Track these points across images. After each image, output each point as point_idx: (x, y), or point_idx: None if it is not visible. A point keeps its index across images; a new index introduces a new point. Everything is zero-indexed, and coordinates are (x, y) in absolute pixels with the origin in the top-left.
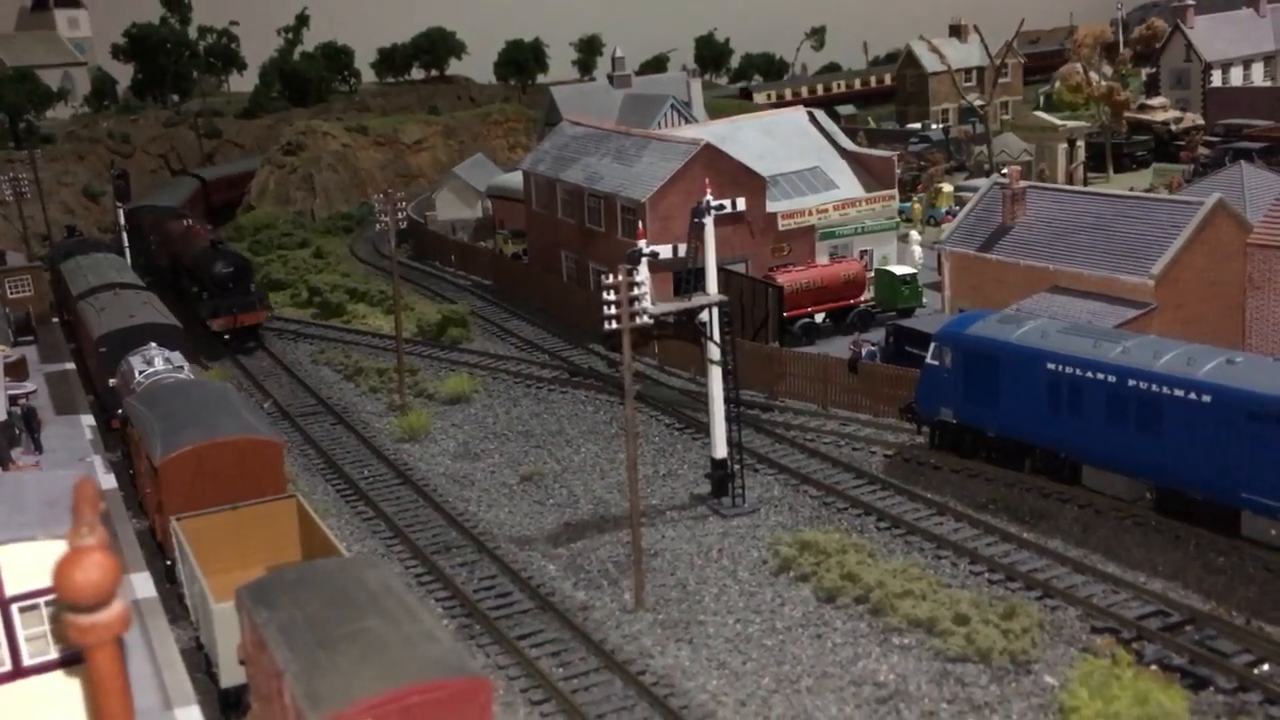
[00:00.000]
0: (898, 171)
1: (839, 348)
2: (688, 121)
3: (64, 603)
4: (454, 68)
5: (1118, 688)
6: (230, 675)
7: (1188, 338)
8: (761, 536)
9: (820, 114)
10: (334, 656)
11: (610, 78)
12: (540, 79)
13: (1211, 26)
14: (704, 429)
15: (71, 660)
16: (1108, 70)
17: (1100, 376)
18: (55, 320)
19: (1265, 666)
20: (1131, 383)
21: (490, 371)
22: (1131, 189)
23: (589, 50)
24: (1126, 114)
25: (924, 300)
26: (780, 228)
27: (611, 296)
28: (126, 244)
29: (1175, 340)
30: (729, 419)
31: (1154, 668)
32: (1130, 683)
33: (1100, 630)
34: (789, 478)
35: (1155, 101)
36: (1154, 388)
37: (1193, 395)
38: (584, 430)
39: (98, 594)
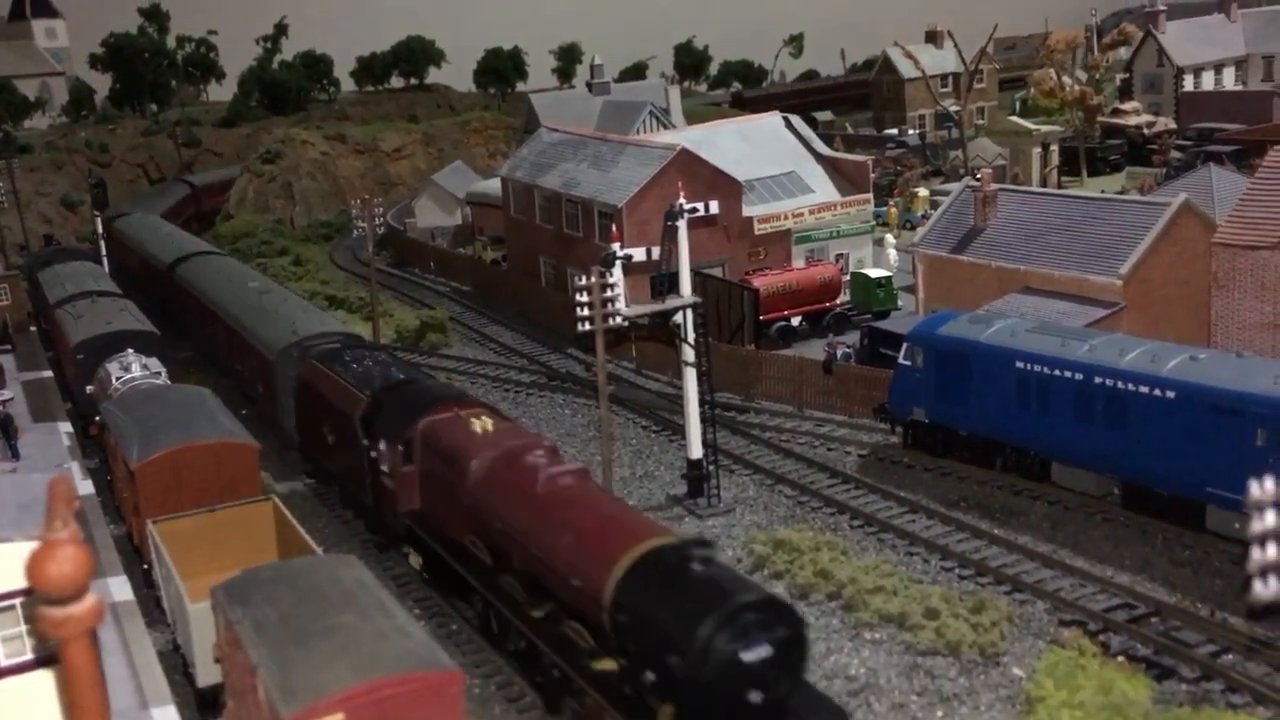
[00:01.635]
0: (873, 176)
1: (815, 350)
2: (666, 128)
3: (37, 595)
4: (433, 76)
5: (1083, 678)
6: (206, 675)
7: (1155, 336)
8: (737, 535)
9: (796, 119)
10: (307, 652)
11: (589, 85)
12: (520, 87)
13: (1183, 32)
14: (680, 431)
15: (47, 660)
16: (1082, 75)
17: (1067, 374)
18: (33, 329)
19: (1228, 656)
20: (1098, 380)
21: (469, 376)
22: (1103, 191)
23: (568, 58)
24: (1100, 118)
25: (899, 303)
26: (756, 231)
27: (585, 298)
28: (104, 252)
29: (1141, 338)
30: (704, 420)
31: (1120, 658)
32: (1095, 673)
33: (1068, 623)
34: (764, 478)
35: (1128, 106)
36: (1119, 385)
37: (1157, 392)
38: (561, 433)
39: (70, 586)
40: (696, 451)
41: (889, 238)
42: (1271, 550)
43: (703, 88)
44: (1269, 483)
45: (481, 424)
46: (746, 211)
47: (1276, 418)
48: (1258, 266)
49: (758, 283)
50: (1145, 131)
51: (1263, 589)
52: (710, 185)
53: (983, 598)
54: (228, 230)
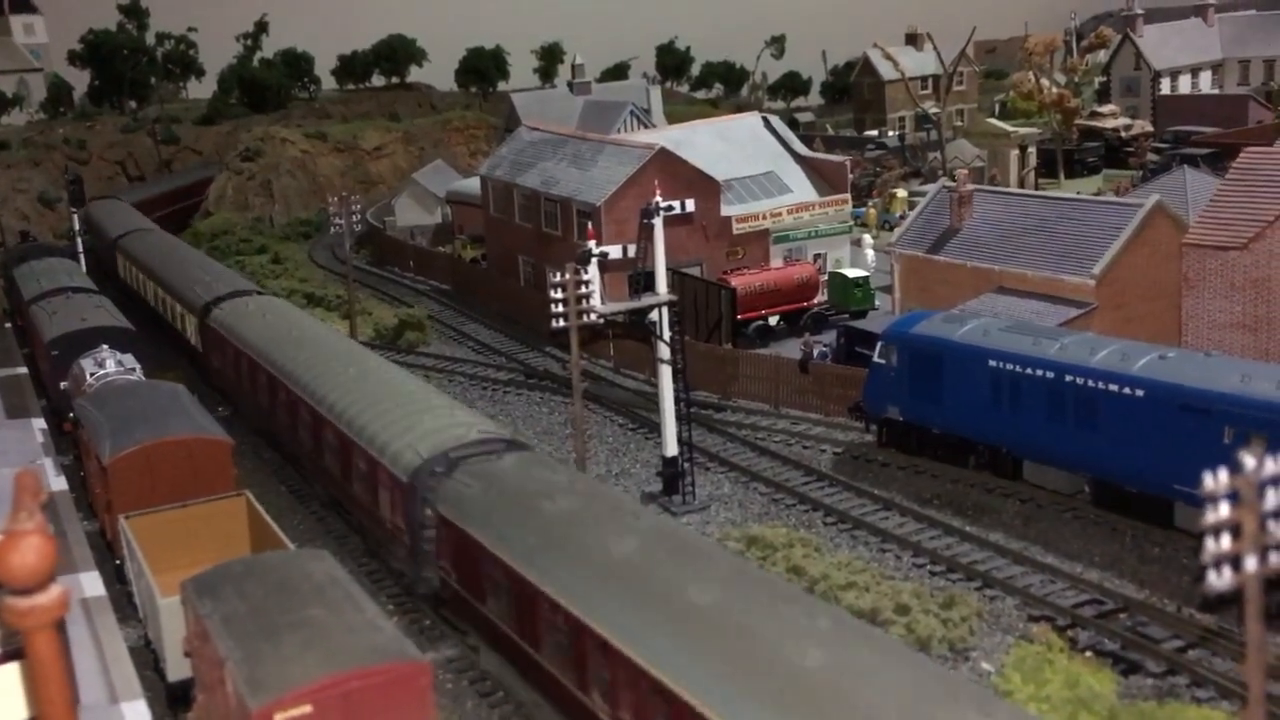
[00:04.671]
0: (851, 177)
1: (792, 349)
2: (646, 128)
3: (2, 586)
4: (415, 75)
5: (1050, 672)
6: (177, 669)
7: (1127, 336)
8: (711, 532)
9: (775, 119)
10: (276, 645)
11: (570, 85)
12: (501, 86)
13: (1160, 35)
14: (657, 428)
15: (13, 655)
16: (1060, 78)
17: (1039, 373)
18: (8, 325)
19: (1194, 651)
20: (1069, 378)
21: (446, 374)
22: (1079, 193)
23: (550, 58)
24: (1077, 121)
25: (876, 303)
26: (735, 231)
27: (559, 295)
28: (80, 249)
29: (1112, 337)
30: (680, 418)
31: (1087, 653)
32: (1063, 667)
33: (1037, 618)
34: (739, 475)
35: (1106, 109)
36: (1090, 383)
37: (1127, 390)
38: (539, 431)
39: (34, 576)
40: (672, 449)
41: (866, 238)
42: (1225, 541)
43: (684, 88)
44: (1223, 474)
45: None
46: (725, 211)
47: (1244, 416)
48: (1227, 267)
49: (735, 282)
50: (1122, 134)
51: (1216, 580)
52: (689, 185)
53: (953, 594)
54: (206, 227)
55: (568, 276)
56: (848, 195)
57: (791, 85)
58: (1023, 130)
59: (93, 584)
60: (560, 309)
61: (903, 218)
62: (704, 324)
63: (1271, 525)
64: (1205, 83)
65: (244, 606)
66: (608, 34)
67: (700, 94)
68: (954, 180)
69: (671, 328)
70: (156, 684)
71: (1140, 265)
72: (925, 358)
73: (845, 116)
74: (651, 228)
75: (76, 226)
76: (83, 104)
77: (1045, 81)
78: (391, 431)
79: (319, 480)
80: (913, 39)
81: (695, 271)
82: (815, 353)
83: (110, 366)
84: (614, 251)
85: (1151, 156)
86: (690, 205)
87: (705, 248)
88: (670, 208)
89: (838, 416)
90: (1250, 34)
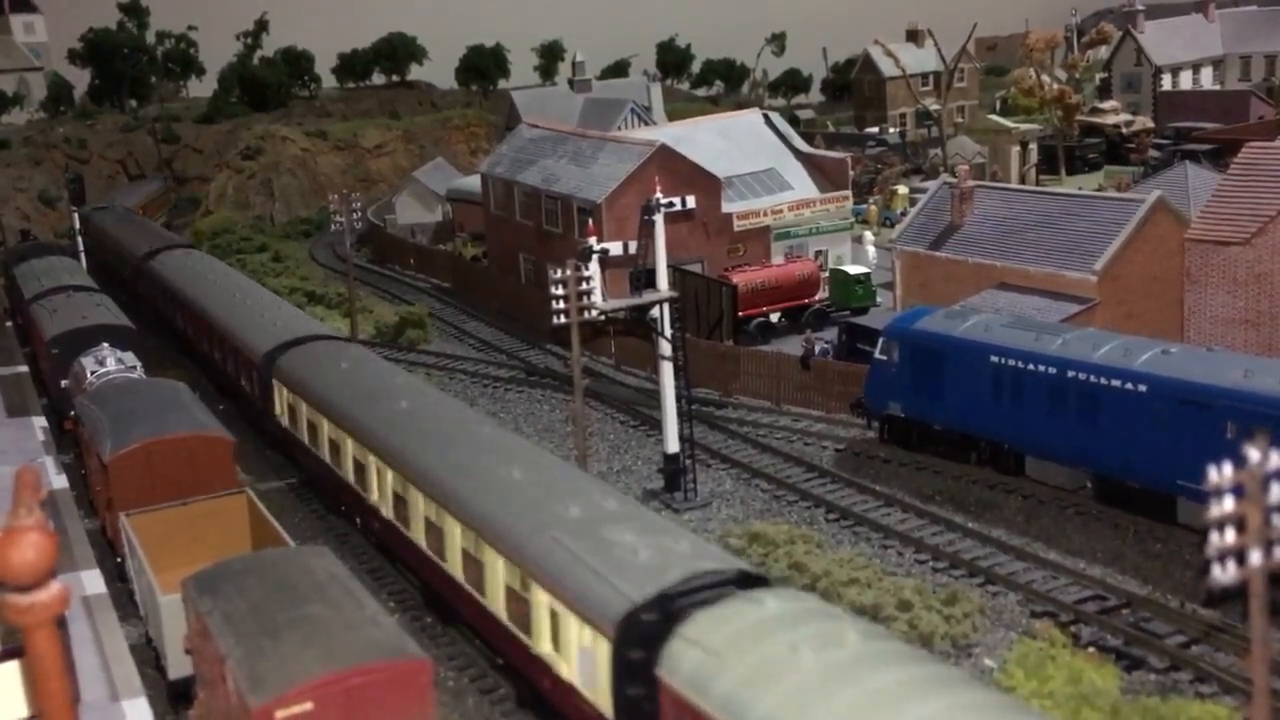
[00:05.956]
0: (852, 174)
1: (794, 346)
2: (647, 125)
3: (2, 582)
4: (415, 73)
5: (1052, 668)
6: (178, 667)
7: (1129, 332)
8: (712, 529)
9: (775, 116)
10: (276, 642)
11: (571, 83)
12: (502, 84)
13: (1161, 32)
14: (658, 425)
15: (14, 653)
16: (1061, 74)
17: (1041, 369)
18: (8, 324)
19: (1197, 646)
20: (1071, 374)
21: (447, 372)
22: (1080, 189)
23: (550, 56)
24: (1078, 117)
25: (878, 299)
26: (736, 228)
27: (560, 292)
28: (81, 248)
29: (1113, 333)
30: (681, 415)
31: (1090, 649)
32: (1065, 663)
33: (1039, 614)
34: (741, 472)
35: (1107, 105)
36: (1092, 379)
37: (1129, 385)
38: (540, 428)
39: (34, 573)
40: (673, 446)
41: (867, 234)
42: (1229, 535)
43: (685, 86)
44: (1227, 468)
45: None
46: (726, 208)
47: (1246, 411)
48: (1229, 262)
49: (736, 279)
50: (1123, 130)
51: (1220, 575)
52: (689, 181)
53: (955, 590)
54: (206, 226)
55: (568, 273)
56: (849, 192)
57: (792, 82)
58: (1024, 127)
59: (93, 582)
60: (561, 306)
61: (904, 214)
62: (705, 321)
63: (1276, 519)
64: (1206, 79)
65: (245, 604)
66: (608, 32)
67: (701, 91)
68: (955, 177)
69: (673, 324)
70: (157, 681)
71: (1142, 261)
72: (927, 354)
73: (846, 114)
74: (652, 224)
75: (76, 225)
76: (83, 103)
77: (1046, 78)
78: None
79: None
80: (913, 36)
81: (696, 268)
82: (817, 349)
83: (111, 364)
84: (615, 248)
85: (1153, 152)
86: (691, 202)
87: (706, 245)
88: (671, 204)
89: (839, 413)
90: (1251, 30)
